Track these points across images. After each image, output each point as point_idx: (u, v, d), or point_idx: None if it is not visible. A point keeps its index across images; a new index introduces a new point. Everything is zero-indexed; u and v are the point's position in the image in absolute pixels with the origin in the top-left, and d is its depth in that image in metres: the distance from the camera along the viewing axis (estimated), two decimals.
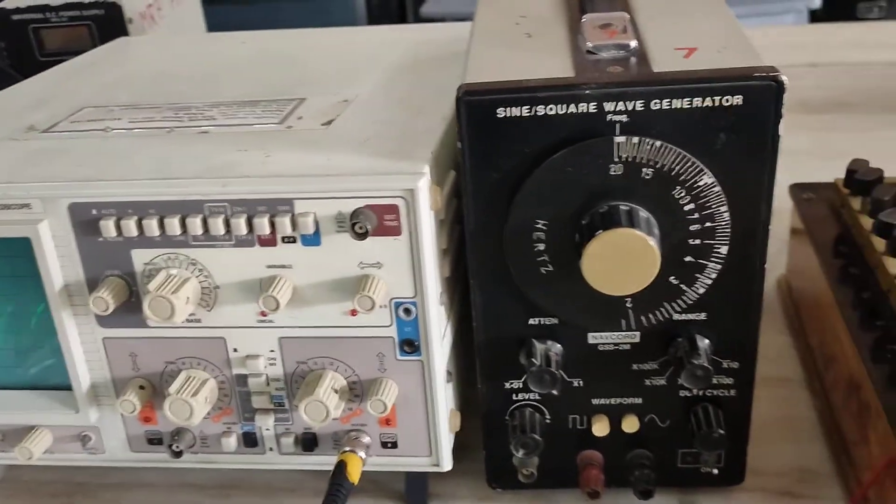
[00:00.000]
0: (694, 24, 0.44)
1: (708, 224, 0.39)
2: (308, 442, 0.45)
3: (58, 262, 0.42)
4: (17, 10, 0.83)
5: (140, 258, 0.42)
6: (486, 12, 0.48)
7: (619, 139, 0.38)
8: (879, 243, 0.50)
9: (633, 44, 0.40)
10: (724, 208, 0.39)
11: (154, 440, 0.46)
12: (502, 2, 0.50)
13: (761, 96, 0.37)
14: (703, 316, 0.42)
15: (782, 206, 0.60)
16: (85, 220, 0.41)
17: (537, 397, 0.45)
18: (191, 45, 0.70)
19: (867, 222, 0.53)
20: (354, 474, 0.42)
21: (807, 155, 0.86)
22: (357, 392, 0.43)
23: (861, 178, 0.54)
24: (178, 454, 0.45)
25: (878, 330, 0.47)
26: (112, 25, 0.82)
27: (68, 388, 0.46)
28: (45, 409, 0.46)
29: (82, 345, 0.44)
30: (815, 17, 2.39)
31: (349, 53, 0.63)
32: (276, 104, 0.51)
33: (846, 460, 0.48)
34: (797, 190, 0.62)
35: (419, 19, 2.78)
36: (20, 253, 0.43)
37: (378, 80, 0.55)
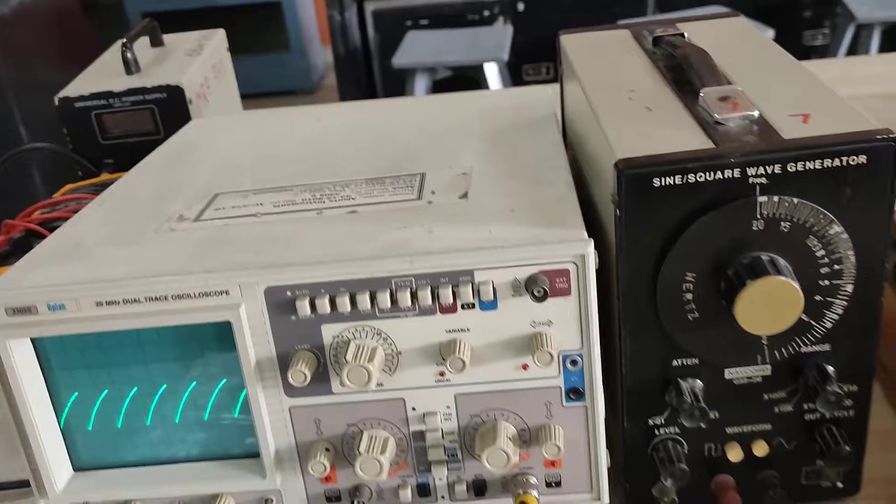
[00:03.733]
0: (790, 90, 0.50)
1: (836, 267, 0.45)
2: (479, 488, 0.49)
3: (252, 341, 0.46)
4: (81, 98, 0.86)
5: (329, 332, 0.46)
6: (596, 90, 0.54)
7: (762, 199, 0.43)
8: None
9: (756, 114, 0.46)
10: (850, 252, 0.45)
11: (332, 498, 0.50)
12: (604, 78, 0.56)
13: (882, 155, 0.43)
14: (827, 347, 0.48)
15: None
16: (279, 302, 0.45)
17: (677, 431, 0.50)
18: (272, 125, 0.74)
19: None
20: None
21: None
22: (525, 438, 0.48)
23: None
24: None
25: None
26: (174, 107, 0.86)
27: (249, 455, 0.49)
28: (234, 477, 0.49)
29: (269, 415, 0.48)
30: None
31: (427, 125, 0.67)
32: (401, 180, 0.56)
33: None
34: None
35: (386, 70, 2.86)
36: (201, 336, 0.47)
37: (478, 152, 0.60)
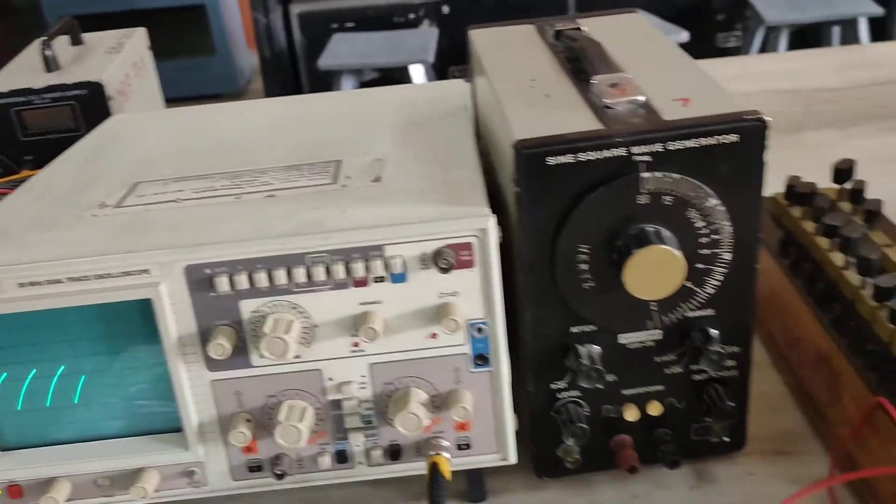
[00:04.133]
0: (674, 77, 0.54)
1: (714, 236, 0.49)
2: (394, 452, 0.52)
3: (173, 317, 0.48)
4: (0, 95, 0.86)
5: (247, 307, 0.48)
6: (500, 79, 0.57)
7: (645, 175, 0.48)
8: (824, 242, 0.62)
9: (642, 98, 0.50)
10: (727, 223, 0.49)
11: (254, 468, 0.52)
12: (509, 69, 0.60)
13: (752, 133, 0.47)
14: (711, 312, 0.52)
15: None
16: (199, 279, 0.48)
17: (578, 394, 0.54)
18: (193, 120, 0.76)
19: (809, 226, 0.64)
20: (446, 472, 0.50)
21: None
22: (437, 404, 0.51)
23: (801, 191, 0.65)
24: (280, 476, 0.51)
25: (835, 311, 0.58)
26: (94, 103, 0.87)
27: (172, 430, 0.51)
28: (157, 450, 0.51)
29: (191, 388, 0.50)
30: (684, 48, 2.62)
31: (345, 117, 0.70)
32: (317, 166, 0.58)
33: (820, 420, 0.59)
34: None
35: (312, 72, 2.87)
36: (118, 315, 0.49)
37: (392, 140, 0.63)
